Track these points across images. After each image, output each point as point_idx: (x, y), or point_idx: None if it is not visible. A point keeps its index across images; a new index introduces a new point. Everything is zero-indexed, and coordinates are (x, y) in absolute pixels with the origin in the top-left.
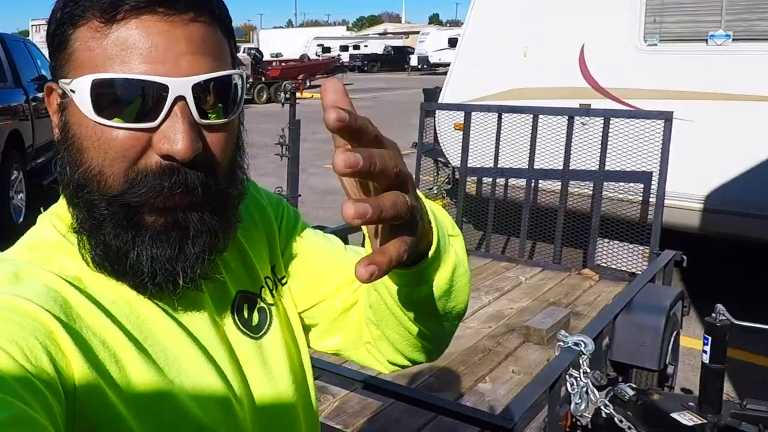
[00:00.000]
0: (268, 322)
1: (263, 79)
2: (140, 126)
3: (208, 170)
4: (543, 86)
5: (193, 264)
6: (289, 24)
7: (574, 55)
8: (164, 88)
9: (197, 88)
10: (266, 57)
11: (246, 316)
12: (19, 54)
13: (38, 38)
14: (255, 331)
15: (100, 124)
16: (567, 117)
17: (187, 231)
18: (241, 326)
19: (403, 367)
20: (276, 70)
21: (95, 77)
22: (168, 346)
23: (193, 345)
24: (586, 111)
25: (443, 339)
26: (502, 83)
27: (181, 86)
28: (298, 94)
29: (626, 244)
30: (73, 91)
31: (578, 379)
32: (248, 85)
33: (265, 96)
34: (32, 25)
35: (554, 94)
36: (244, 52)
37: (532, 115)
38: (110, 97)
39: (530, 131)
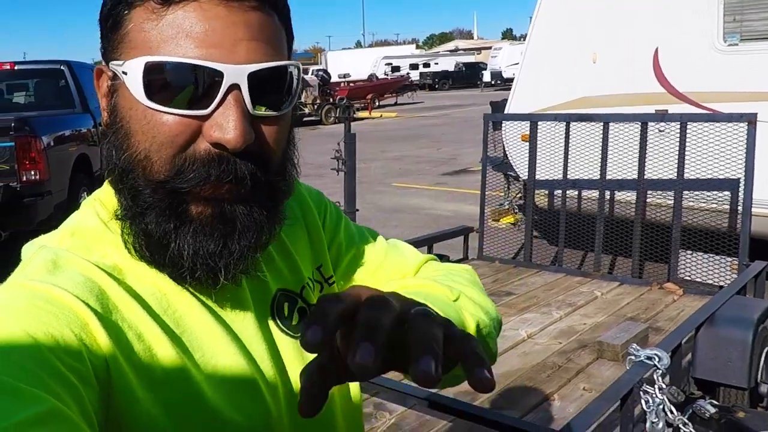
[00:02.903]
0: None
1: (331, 100)
2: (192, 113)
3: (259, 162)
4: (615, 93)
5: (236, 261)
6: (358, 45)
7: (647, 58)
8: (219, 75)
9: (253, 77)
10: (334, 78)
11: (286, 314)
12: (87, 80)
13: None
14: (295, 330)
15: (150, 108)
16: (640, 124)
17: (234, 225)
18: (280, 324)
19: None
20: (344, 90)
21: (148, 60)
22: (205, 342)
23: (232, 341)
24: (660, 117)
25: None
26: (570, 92)
27: (236, 74)
28: (366, 114)
29: (712, 255)
30: (125, 73)
31: (653, 395)
32: (315, 107)
33: (332, 117)
34: None
35: (627, 100)
36: (311, 73)
37: (602, 124)
38: (162, 81)
39: (601, 140)
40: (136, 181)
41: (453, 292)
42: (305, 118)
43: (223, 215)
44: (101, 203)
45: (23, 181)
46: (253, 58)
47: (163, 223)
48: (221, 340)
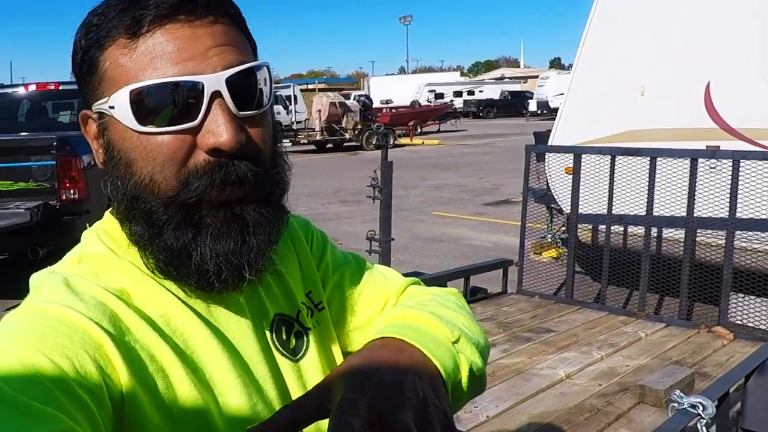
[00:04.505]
0: (305, 346)
1: (372, 125)
2: (183, 127)
3: (254, 160)
4: (664, 127)
5: (256, 255)
6: (402, 71)
7: (698, 93)
8: (199, 86)
9: (230, 81)
10: (376, 104)
11: (284, 338)
12: None
13: None
14: (293, 353)
15: (144, 133)
16: (689, 159)
17: (247, 223)
18: (279, 347)
19: None
20: (385, 116)
21: (132, 87)
22: (211, 362)
23: (237, 363)
24: (711, 153)
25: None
26: (616, 125)
27: (215, 82)
28: (407, 140)
29: (765, 299)
30: (113, 108)
31: None
32: (356, 132)
33: (373, 143)
34: None
35: (677, 135)
36: (353, 99)
37: (649, 158)
38: (149, 104)
39: (648, 175)
40: (147, 203)
41: (453, 333)
42: (345, 143)
43: (235, 215)
44: (104, 231)
45: (62, 200)
46: (225, 63)
47: (182, 236)
48: (226, 362)
